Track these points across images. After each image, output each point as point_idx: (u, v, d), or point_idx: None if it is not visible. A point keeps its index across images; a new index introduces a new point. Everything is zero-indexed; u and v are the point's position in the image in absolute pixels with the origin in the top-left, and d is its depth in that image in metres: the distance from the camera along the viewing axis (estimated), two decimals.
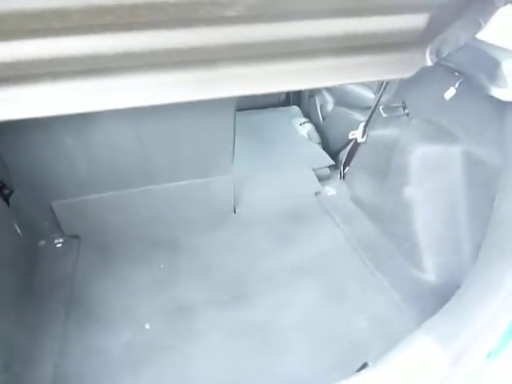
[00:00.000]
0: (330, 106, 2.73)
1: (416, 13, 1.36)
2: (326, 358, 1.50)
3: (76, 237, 2.01)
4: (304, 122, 2.76)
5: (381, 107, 1.93)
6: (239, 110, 2.93)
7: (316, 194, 2.32)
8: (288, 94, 3.23)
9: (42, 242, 1.99)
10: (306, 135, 2.69)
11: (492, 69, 1.24)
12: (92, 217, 1.99)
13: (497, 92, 1.23)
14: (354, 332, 1.58)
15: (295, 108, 3.03)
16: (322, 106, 2.81)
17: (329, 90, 2.71)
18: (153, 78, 1.20)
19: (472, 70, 1.36)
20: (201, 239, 2.05)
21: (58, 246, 1.98)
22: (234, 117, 1.81)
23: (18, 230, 1.73)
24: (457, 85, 1.49)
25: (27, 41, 0.99)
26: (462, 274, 1.41)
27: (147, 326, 1.61)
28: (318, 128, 2.78)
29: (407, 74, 1.55)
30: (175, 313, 1.68)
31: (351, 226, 2.10)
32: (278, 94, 3.18)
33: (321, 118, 2.79)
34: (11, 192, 1.74)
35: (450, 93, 1.52)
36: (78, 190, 1.89)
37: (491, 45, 1.28)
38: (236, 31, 1.14)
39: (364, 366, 1.29)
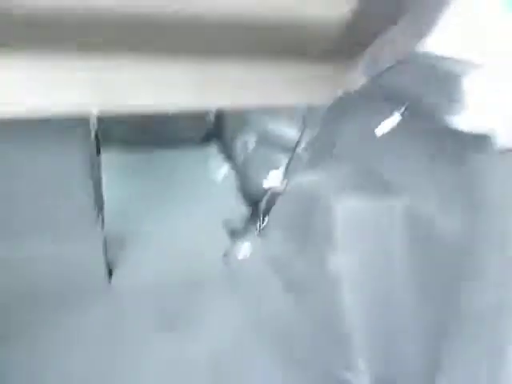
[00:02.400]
0: (251, 146, 2.29)
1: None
2: None
3: None
4: (220, 165, 2.33)
5: (300, 147, 1.49)
6: (145, 146, 2.47)
7: (224, 255, 1.81)
8: (209, 129, 2.78)
9: None
10: (220, 180, 2.25)
11: (447, 88, 0.81)
12: None
13: (456, 120, 0.80)
14: None
15: (214, 147, 2.59)
16: (243, 145, 2.37)
17: (250, 125, 2.29)
18: None
19: (419, 92, 0.94)
20: (64, 322, 1.46)
21: None
22: (94, 159, 1.29)
23: None
24: (397, 115, 1.06)
25: None
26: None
27: None
28: (238, 171, 2.33)
29: (326, 98, 1.12)
30: None
31: (261, 304, 1.61)
32: (198, 129, 2.73)
33: (241, 160, 2.33)
34: None
35: (386, 126, 1.09)
36: None
37: (444, 57, 0.87)
38: None
39: None
